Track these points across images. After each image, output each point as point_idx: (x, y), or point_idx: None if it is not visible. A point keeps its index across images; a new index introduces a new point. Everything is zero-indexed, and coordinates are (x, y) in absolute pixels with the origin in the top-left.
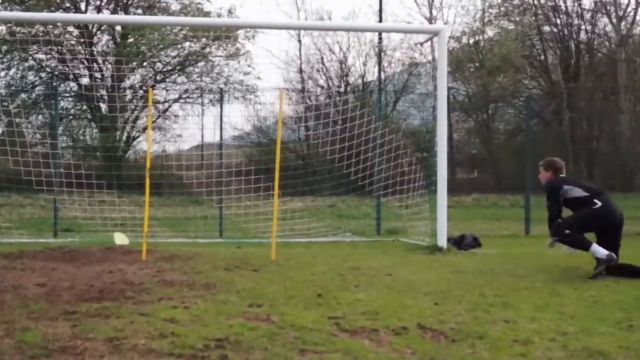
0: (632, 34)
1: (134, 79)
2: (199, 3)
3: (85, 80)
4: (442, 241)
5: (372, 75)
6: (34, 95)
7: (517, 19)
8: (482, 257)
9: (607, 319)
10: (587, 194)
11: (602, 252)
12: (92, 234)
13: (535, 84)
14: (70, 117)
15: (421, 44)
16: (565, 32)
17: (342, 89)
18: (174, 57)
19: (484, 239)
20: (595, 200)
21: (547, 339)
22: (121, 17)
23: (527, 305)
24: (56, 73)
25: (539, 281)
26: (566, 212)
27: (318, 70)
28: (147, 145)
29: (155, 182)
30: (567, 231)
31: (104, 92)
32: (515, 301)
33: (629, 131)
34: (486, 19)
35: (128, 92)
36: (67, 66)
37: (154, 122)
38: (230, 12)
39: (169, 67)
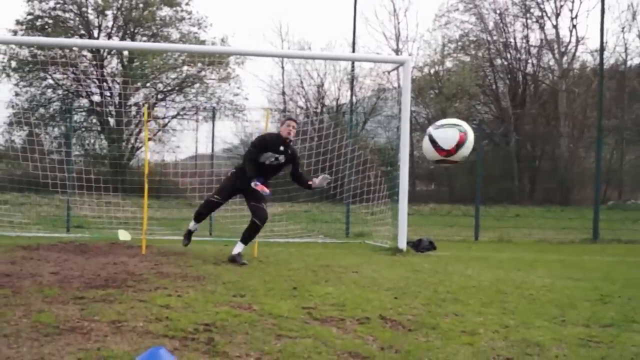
0: (572, 67)
1: (138, 97)
2: (196, 33)
3: (96, 98)
4: (403, 244)
5: (345, 98)
6: (51, 109)
7: (473, 52)
8: (437, 258)
9: (543, 315)
10: None
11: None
12: (99, 230)
13: (487, 109)
14: (83, 129)
15: (388, 73)
16: (514, 64)
17: (318, 110)
18: (174, 79)
19: (439, 243)
20: None
21: (491, 331)
22: (128, 43)
23: (474, 301)
24: (71, 91)
25: (485, 280)
26: None
27: (298, 93)
28: (149, 154)
29: (154, 187)
30: None
31: (112, 108)
32: (464, 297)
33: (567, 152)
34: (445, 52)
35: (133, 108)
36: (81, 85)
37: (154, 135)
38: (223, 41)
39: (169, 88)
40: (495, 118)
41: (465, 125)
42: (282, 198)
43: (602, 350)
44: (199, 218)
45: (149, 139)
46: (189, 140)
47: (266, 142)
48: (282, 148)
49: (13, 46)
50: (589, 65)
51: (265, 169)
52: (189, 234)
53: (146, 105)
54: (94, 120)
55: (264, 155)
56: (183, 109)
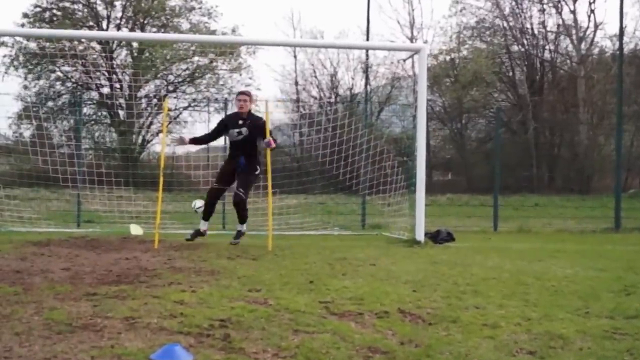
0: (591, 53)
1: (149, 89)
2: (206, 22)
3: (105, 90)
4: (420, 235)
5: (359, 87)
6: (60, 102)
7: (489, 39)
8: (456, 250)
9: (566, 307)
10: None
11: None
12: (111, 225)
13: (504, 97)
14: (92, 122)
15: (404, 61)
16: (531, 51)
17: (332, 100)
18: (184, 70)
19: (457, 234)
20: None
21: (513, 324)
22: (138, 34)
23: (495, 293)
24: (80, 83)
25: (505, 272)
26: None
27: (311, 83)
28: (161, 148)
29: (166, 180)
30: None
31: (122, 100)
32: (485, 290)
33: (586, 140)
34: (461, 39)
35: (143, 100)
36: (90, 77)
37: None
38: (233, 30)
39: (180, 79)
40: (512, 106)
41: None
42: (297, 190)
43: (628, 342)
44: (206, 215)
45: (161, 132)
46: (200, 132)
47: (224, 122)
48: (240, 122)
49: (21, 39)
50: (607, 50)
51: (237, 146)
52: (197, 234)
53: (165, 99)
54: (104, 113)
55: (229, 133)
56: (194, 100)
